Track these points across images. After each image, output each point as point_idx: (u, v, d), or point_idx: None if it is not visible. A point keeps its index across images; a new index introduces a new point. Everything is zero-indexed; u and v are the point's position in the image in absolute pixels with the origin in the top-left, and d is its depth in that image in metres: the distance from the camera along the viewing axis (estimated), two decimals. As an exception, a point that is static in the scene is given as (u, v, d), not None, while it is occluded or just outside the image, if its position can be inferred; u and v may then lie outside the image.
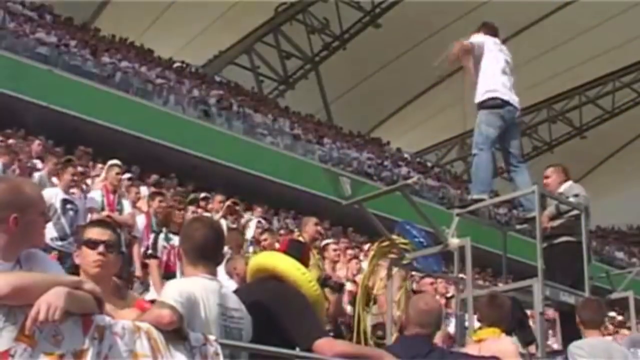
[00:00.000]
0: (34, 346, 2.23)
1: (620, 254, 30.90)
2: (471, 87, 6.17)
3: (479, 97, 6.05)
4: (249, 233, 9.25)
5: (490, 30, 6.39)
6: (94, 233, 3.08)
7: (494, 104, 5.98)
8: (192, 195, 11.32)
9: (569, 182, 6.45)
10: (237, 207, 9.63)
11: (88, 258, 3.04)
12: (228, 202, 9.34)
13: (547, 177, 6.44)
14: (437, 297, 7.89)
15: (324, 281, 6.58)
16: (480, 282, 10.43)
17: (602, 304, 4.97)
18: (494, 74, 6.04)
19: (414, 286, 7.73)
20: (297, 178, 21.93)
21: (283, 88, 32.53)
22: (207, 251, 3.05)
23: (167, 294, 2.77)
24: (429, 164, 31.95)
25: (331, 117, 31.48)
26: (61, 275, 2.52)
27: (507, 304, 4.52)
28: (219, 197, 9.84)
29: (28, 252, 2.60)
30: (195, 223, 3.21)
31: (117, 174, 8.22)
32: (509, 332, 4.67)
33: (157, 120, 19.87)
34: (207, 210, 9.46)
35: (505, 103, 5.99)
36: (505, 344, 4.25)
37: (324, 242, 8.18)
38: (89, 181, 9.76)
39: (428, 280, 7.85)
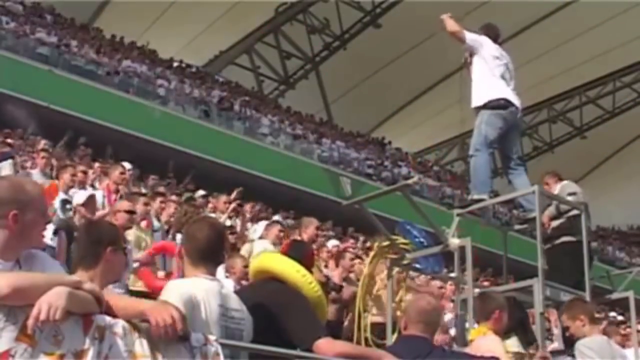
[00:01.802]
0: (34, 346, 2.23)
1: (621, 254, 30.89)
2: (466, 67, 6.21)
3: (480, 99, 6.03)
4: (256, 234, 9.09)
5: (491, 32, 6.37)
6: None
7: (497, 104, 5.97)
8: (187, 195, 11.30)
9: (563, 182, 6.50)
10: (240, 208, 9.59)
11: (124, 266, 3.08)
12: (233, 205, 9.29)
13: (546, 184, 6.53)
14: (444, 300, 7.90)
15: (325, 282, 6.58)
16: (486, 283, 10.42)
17: (589, 301, 4.98)
18: (494, 79, 6.03)
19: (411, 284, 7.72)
20: (297, 178, 21.93)
21: (283, 88, 32.54)
22: (209, 252, 3.06)
23: (168, 295, 2.78)
24: (430, 164, 31.91)
25: (331, 117, 31.49)
26: (61, 275, 2.52)
27: (493, 301, 4.52)
28: (223, 198, 9.77)
29: (28, 252, 2.60)
30: (199, 224, 3.21)
31: (121, 173, 8.22)
32: (508, 331, 4.67)
33: (157, 120, 19.88)
34: (196, 207, 9.41)
35: (508, 103, 5.99)
36: (487, 342, 4.28)
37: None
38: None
39: (436, 282, 7.85)
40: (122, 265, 3.02)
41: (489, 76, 6.03)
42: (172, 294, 2.79)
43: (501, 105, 5.96)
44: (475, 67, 6.14)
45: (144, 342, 2.44)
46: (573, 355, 4.60)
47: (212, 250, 3.09)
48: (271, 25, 30.79)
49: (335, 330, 5.92)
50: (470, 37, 6.13)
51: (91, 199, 6.73)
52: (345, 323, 6.91)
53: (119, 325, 2.41)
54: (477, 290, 5.58)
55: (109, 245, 2.88)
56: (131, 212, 6.03)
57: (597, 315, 4.77)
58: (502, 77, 6.07)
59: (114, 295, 2.57)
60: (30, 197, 2.52)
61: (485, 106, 5.99)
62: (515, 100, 6.06)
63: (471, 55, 6.17)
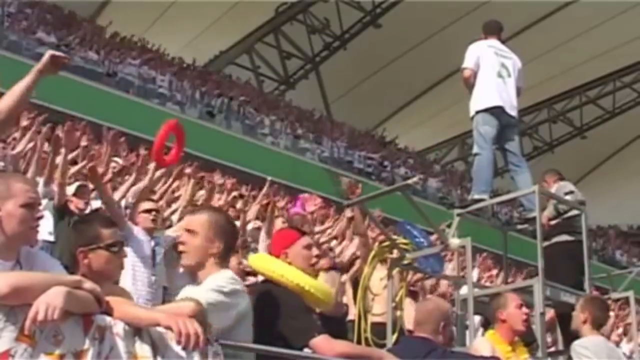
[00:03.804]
0: (34, 346, 2.23)
1: (621, 254, 30.88)
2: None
3: (472, 110, 6.07)
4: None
5: (491, 29, 6.38)
6: (112, 235, 2.87)
7: (487, 107, 6.02)
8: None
9: (560, 183, 6.52)
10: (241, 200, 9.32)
11: (116, 263, 2.87)
12: (234, 193, 9.15)
13: (545, 181, 6.56)
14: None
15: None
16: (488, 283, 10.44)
17: (607, 303, 4.97)
18: (486, 82, 6.03)
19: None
20: (297, 178, 21.92)
21: (284, 88, 32.53)
22: (234, 244, 3.10)
23: (218, 285, 2.79)
24: (435, 165, 31.86)
25: (332, 117, 31.49)
26: (61, 275, 2.52)
27: (497, 301, 4.53)
28: (217, 196, 9.68)
29: (28, 251, 2.60)
30: (225, 215, 3.21)
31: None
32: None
33: (157, 120, 19.84)
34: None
35: (497, 106, 6.01)
36: (476, 344, 4.40)
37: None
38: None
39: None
40: (108, 264, 2.82)
41: (482, 84, 6.04)
42: (223, 283, 2.82)
43: (490, 107, 5.99)
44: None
45: (145, 342, 2.43)
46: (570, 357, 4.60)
47: (235, 242, 3.16)
48: (271, 25, 30.77)
49: (338, 327, 5.90)
50: (470, 67, 6.09)
51: (82, 188, 6.69)
52: None
53: (120, 326, 2.41)
54: (477, 290, 5.59)
55: (81, 246, 2.78)
56: (150, 211, 5.99)
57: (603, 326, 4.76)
58: (496, 76, 6.06)
59: (125, 304, 2.55)
60: (11, 190, 2.52)
61: (477, 112, 6.05)
62: (510, 104, 6.07)
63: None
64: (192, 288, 2.84)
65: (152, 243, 5.89)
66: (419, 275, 6.85)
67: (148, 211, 6.00)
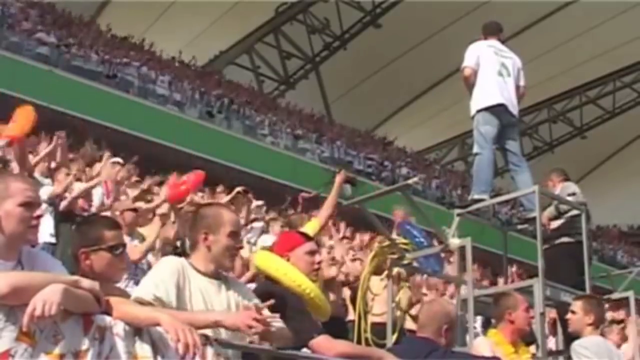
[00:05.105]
0: (34, 346, 2.23)
1: (621, 254, 30.88)
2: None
3: (473, 109, 6.07)
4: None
5: (490, 30, 6.39)
6: (115, 237, 2.86)
7: (488, 105, 6.02)
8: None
9: (565, 183, 6.52)
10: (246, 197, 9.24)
11: (117, 265, 2.85)
12: (238, 188, 9.12)
13: (551, 180, 6.57)
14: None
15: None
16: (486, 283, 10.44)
17: (602, 302, 4.98)
18: (486, 81, 6.03)
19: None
20: (297, 178, 21.92)
21: (284, 88, 32.53)
22: None
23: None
24: (435, 166, 31.84)
25: (332, 117, 31.48)
26: (60, 274, 2.52)
27: (505, 301, 4.52)
28: (224, 197, 9.69)
29: (29, 252, 2.59)
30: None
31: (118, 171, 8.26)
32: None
33: (157, 121, 19.86)
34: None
35: (498, 104, 6.02)
36: (476, 344, 4.42)
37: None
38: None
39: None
40: (110, 266, 2.81)
41: (482, 83, 6.04)
42: None
43: (492, 105, 6.00)
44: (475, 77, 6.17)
45: (145, 343, 2.43)
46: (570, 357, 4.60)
47: None
48: (271, 25, 30.76)
49: (338, 327, 5.90)
50: (470, 66, 6.09)
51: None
52: None
53: (120, 326, 2.41)
54: (476, 290, 5.59)
55: (83, 247, 2.78)
56: (135, 210, 6.12)
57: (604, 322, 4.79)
58: (496, 75, 6.07)
59: (125, 304, 2.55)
60: (10, 189, 2.51)
61: (478, 111, 6.05)
62: (511, 102, 6.08)
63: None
64: None
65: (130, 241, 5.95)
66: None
67: (134, 210, 6.09)
